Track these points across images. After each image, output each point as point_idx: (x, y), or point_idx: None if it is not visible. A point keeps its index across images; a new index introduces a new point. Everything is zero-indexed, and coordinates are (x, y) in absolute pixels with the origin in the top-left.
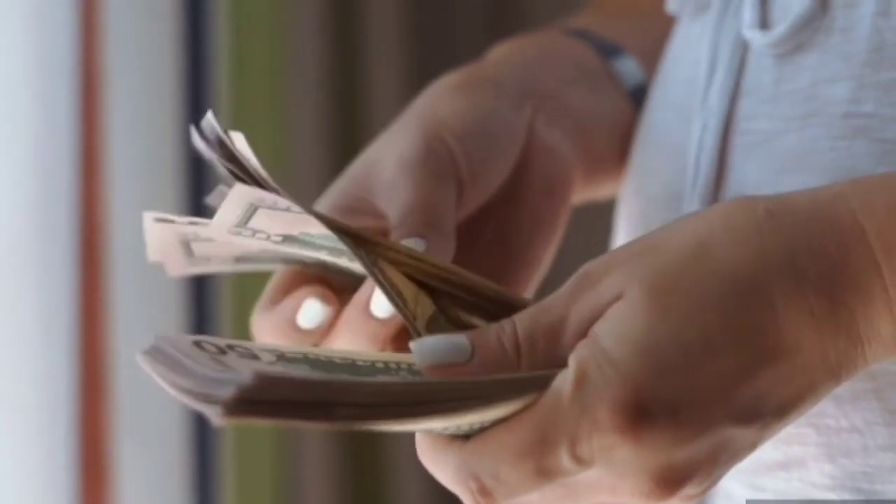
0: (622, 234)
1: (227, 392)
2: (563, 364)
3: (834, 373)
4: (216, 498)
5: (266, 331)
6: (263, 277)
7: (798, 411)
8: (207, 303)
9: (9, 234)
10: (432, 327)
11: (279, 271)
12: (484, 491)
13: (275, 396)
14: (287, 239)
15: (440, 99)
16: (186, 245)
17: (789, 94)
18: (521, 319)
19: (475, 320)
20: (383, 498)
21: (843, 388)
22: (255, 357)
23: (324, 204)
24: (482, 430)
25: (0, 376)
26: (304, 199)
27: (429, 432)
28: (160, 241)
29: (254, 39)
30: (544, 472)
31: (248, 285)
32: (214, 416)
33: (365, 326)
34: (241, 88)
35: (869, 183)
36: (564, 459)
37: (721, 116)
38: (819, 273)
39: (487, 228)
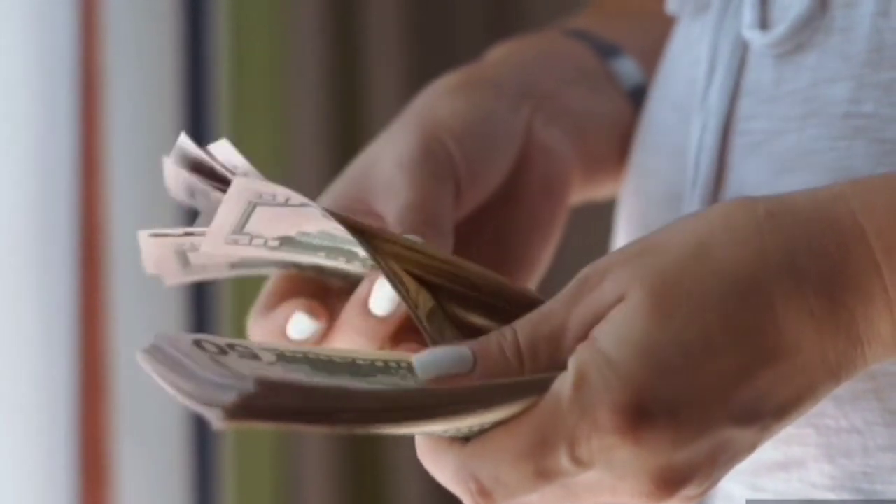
0: (622, 233)
1: (229, 397)
2: (564, 368)
3: (833, 373)
4: (216, 498)
5: (259, 337)
6: (263, 278)
7: (798, 412)
8: (207, 303)
9: (9, 234)
10: (432, 319)
11: (274, 276)
12: (483, 492)
13: (276, 403)
14: (284, 243)
15: (438, 99)
16: (182, 255)
17: (789, 95)
18: (521, 326)
19: (474, 318)
20: (383, 498)
21: (843, 389)
22: (255, 357)
23: (322, 204)
24: (482, 431)
25: (0, 376)
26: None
27: (429, 435)
28: (156, 255)
29: (254, 39)
30: (543, 474)
31: (248, 286)
32: (215, 419)
33: (364, 325)
34: (241, 88)
35: (869, 183)
36: (564, 461)
37: (721, 116)
38: (819, 273)
39: (485, 228)
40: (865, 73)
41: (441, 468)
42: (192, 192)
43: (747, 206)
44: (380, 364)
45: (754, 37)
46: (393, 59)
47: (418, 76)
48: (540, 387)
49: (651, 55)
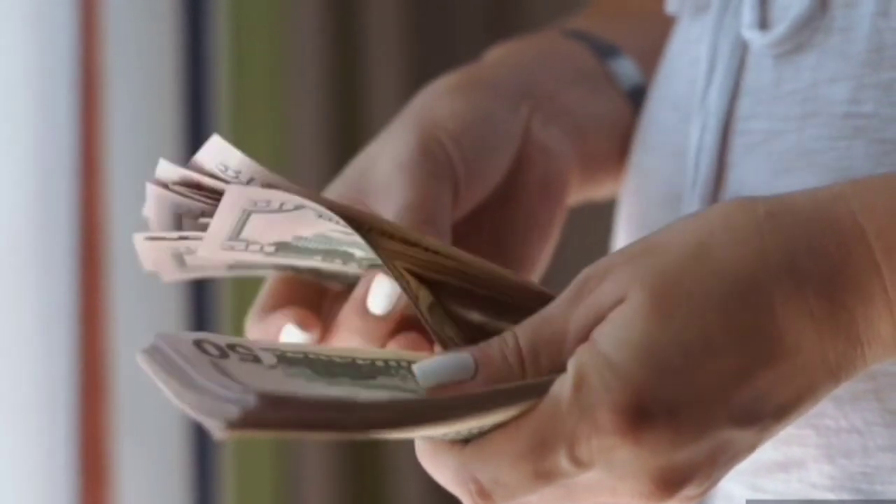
0: (622, 233)
1: (231, 411)
2: (565, 370)
3: (833, 374)
4: (216, 498)
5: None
6: (263, 277)
7: (797, 412)
8: (207, 303)
9: (9, 234)
10: (433, 313)
11: (271, 279)
12: (483, 492)
13: (277, 416)
14: (280, 248)
15: (437, 100)
16: (179, 258)
17: (789, 95)
18: (522, 331)
19: (474, 315)
20: (383, 498)
21: (843, 389)
22: (256, 360)
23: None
24: (482, 433)
25: (0, 376)
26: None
27: (429, 438)
28: (152, 256)
29: (254, 39)
30: (543, 474)
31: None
32: (216, 430)
33: (362, 325)
34: (241, 88)
35: (869, 183)
36: (563, 461)
37: (720, 116)
38: (819, 274)
39: (484, 228)
40: (865, 73)
41: (441, 470)
42: (178, 217)
43: (747, 207)
44: (380, 364)
45: (754, 37)
46: (393, 59)
47: (418, 76)
48: (539, 390)
49: (650, 55)
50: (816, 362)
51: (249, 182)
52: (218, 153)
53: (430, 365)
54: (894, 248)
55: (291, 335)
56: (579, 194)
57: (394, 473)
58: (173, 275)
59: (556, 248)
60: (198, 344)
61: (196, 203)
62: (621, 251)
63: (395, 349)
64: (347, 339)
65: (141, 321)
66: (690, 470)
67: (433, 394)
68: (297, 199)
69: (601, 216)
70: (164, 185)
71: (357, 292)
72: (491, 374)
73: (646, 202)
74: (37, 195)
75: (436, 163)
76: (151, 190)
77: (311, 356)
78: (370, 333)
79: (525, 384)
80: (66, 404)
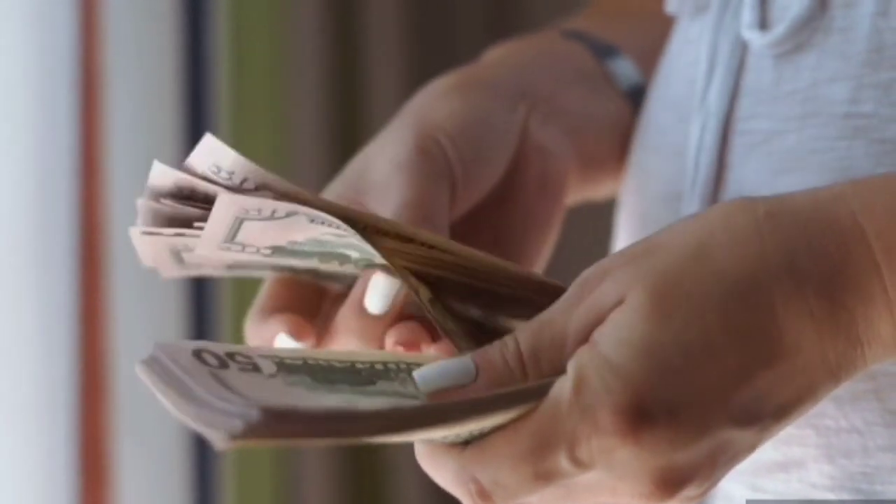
0: (622, 233)
1: (235, 424)
2: (566, 373)
3: (833, 374)
4: (216, 498)
5: (255, 343)
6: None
7: (797, 412)
8: (207, 303)
9: (9, 234)
10: (434, 306)
11: (269, 281)
12: (483, 493)
13: (279, 429)
14: (276, 251)
15: (434, 100)
16: (177, 254)
17: (788, 95)
18: (523, 334)
19: (472, 311)
20: (383, 498)
21: (843, 389)
22: (256, 369)
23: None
24: (482, 436)
25: (0, 376)
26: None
27: (428, 441)
28: (150, 252)
29: (254, 39)
30: (543, 475)
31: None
32: (217, 441)
33: (359, 325)
34: (241, 88)
35: (869, 183)
36: (563, 462)
37: (720, 116)
38: (819, 274)
39: (482, 228)
40: (865, 73)
41: (440, 471)
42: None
43: (747, 207)
44: (379, 367)
45: (754, 37)
46: (393, 59)
47: (418, 76)
48: (539, 393)
49: (650, 55)
50: (816, 362)
51: (243, 182)
52: (210, 153)
53: (431, 370)
54: (894, 249)
55: (285, 344)
56: (578, 194)
57: (394, 474)
58: (172, 271)
59: (555, 248)
60: (197, 354)
61: (189, 211)
62: (621, 252)
63: (393, 351)
64: (346, 341)
65: (141, 321)
66: (691, 470)
67: (434, 398)
68: (289, 206)
69: (601, 216)
70: (155, 200)
71: (354, 293)
72: (492, 377)
73: (646, 202)
74: (37, 195)
75: (433, 163)
76: (142, 206)
77: (310, 362)
78: (368, 334)
79: (525, 387)
80: (66, 404)
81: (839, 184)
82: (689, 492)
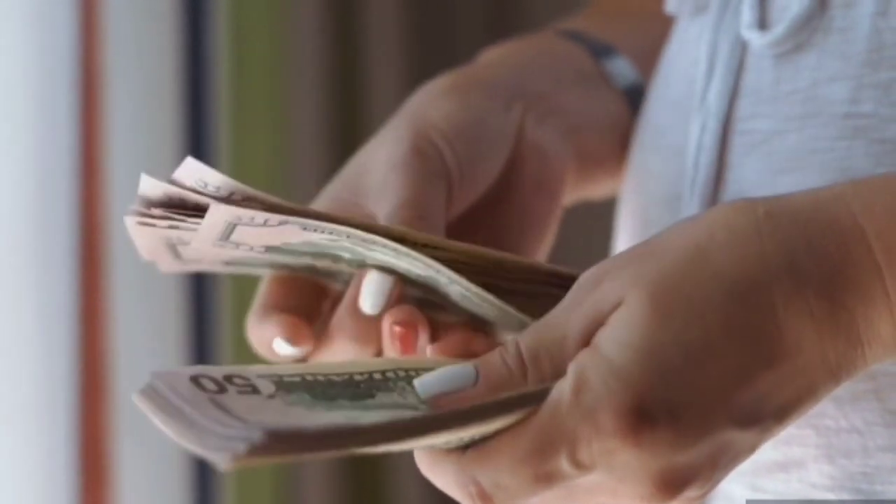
0: (623, 233)
1: (238, 447)
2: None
3: (833, 374)
4: (216, 498)
5: (256, 344)
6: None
7: (798, 413)
8: (208, 303)
9: (9, 234)
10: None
11: (267, 280)
12: (484, 495)
13: (282, 449)
14: (271, 250)
15: (430, 101)
16: (173, 248)
17: (788, 95)
18: (524, 337)
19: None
20: (383, 498)
21: (843, 389)
22: (255, 390)
23: (315, 207)
24: (482, 439)
25: (0, 376)
26: (304, 199)
27: (429, 447)
28: (147, 244)
29: (254, 39)
30: (544, 477)
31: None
32: (220, 463)
33: (355, 327)
34: (241, 88)
35: (869, 184)
36: (564, 464)
37: (720, 117)
38: (819, 274)
39: (478, 228)
40: (865, 73)
41: (440, 474)
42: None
43: (746, 208)
44: (378, 377)
45: (753, 37)
46: (393, 59)
47: (418, 76)
48: (539, 397)
49: (650, 55)
50: (817, 362)
51: (231, 195)
52: (196, 171)
53: (431, 377)
54: (894, 249)
55: (281, 349)
56: (577, 193)
57: (394, 473)
58: (170, 265)
59: (556, 248)
60: (195, 380)
61: (180, 224)
62: (621, 254)
63: (392, 357)
64: (343, 344)
65: (141, 321)
66: (691, 471)
67: (434, 404)
68: (280, 217)
69: (601, 216)
70: (145, 214)
71: (348, 295)
72: (492, 380)
73: (646, 202)
74: (37, 195)
75: (429, 163)
76: (131, 224)
77: (308, 378)
78: (363, 335)
79: (525, 392)
80: (66, 404)
81: (839, 184)
82: (690, 493)
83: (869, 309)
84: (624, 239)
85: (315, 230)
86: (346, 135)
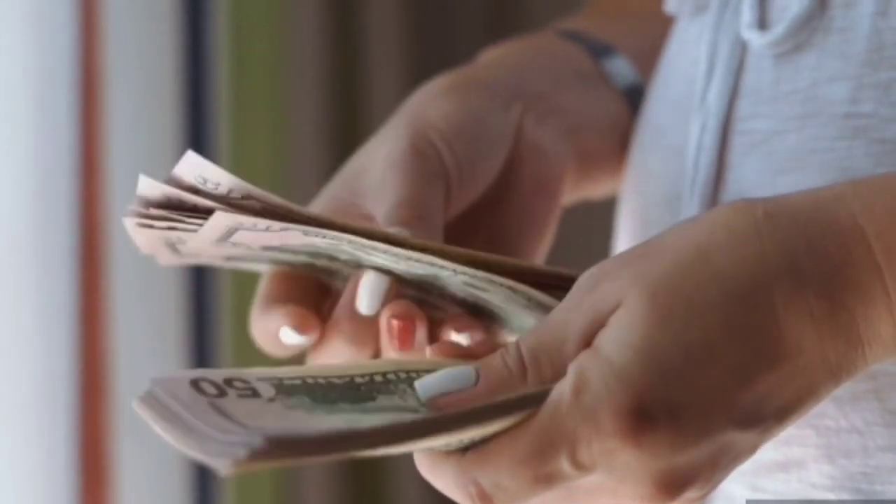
0: (623, 233)
1: (238, 453)
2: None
3: (834, 374)
4: (216, 498)
5: (260, 337)
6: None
7: (798, 413)
8: (208, 303)
9: (9, 234)
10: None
11: (268, 276)
12: (484, 496)
13: (282, 453)
14: (270, 249)
15: (429, 101)
16: (172, 245)
17: (788, 95)
18: (524, 339)
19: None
20: (383, 499)
21: (843, 389)
22: (255, 394)
23: (314, 207)
24: (482, 441)
25: (0, 376)
26: (304, 199)
27: (428, 449)
28: (146, 242)
29: (254, 39)
30: (544, 478)
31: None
32: (221, 468)
33: (352, 327)
34: (241, 88)
35: (869, 184)
36: (564, 465)
37: (720, 117)
38: (819, 275)
39: (477, 228)
40: (865, 73)
41: (440, 476)
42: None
43: (746, 209)
44: (379, 379)
45: (753, 37)
46: (393, 59)
47: (418, 76)
48: (539, 399)
49: (649, 55)
50: (817, 363)
51: (230, 192)
52: (195, 166)
53: (432, 379)
54: (894, 249)
55: (289, 336)
56: (577, 193)
57: (394, 473)
58: (169, 259)
59: (556, 249)
60: (195, 384)
61: (178, 225)
62: (620, 255)
63: (393, 359)
64: (339, 345)
65: (141, 321)
66: (692, 472)
67: (435, 403)
68: (282, 224)
69: (601, 216)
70: (143, 215)
71: (344, 297)
72: (492, 381)
73: (646, 202)
74: (37, 195)
75: (428, 162)
76: (130, 225)
77: (308, 381)
78: (360, 336)
79: (524, 394)
80: (66, 404)
81: (839, 184)
82: (691, 494)
83: (869, 309)
84: (624, 239)
85: (316, 235)
86: (346, 135)
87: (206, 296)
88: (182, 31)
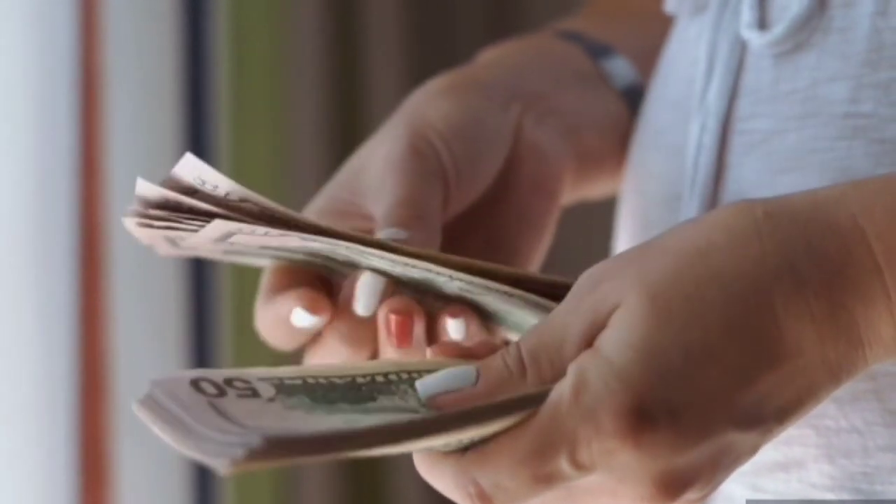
0: (623, 233)
1: (236, 453)
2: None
3: (834, 375)
4: (216, 498)
5: (267, 326)
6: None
7: (799, 414)
8: (208, 303)
9: (9, 234)
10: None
11: (270, 269)
12: (483, 496)
13: (280, 454)
14: (267, 249)
15: (428, 101)
16: (172, 241)
17: (788, 94)
18: (524, 339)
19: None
20: (383, 498)
21: (843, 389)
22: (255, 394)
23: (313, 208)
24: (481, 441)
25: (0, 376)
26: (304, 199)
27: (428, 449)
28: (146, 237)
29: (254, 39)
30: (544, 478)
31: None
32: (220, 468)
33: (349, 328)
34: (241, 88)
35: (869, 185)
36: (564, 465)
37: (719, 116)
38: (819, 275)
39: (476, 228)
40: (864, 73)
41: (439, 476)
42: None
43: (745, 210)
44: (380, 379)
45: (753, 37)
46: (393, 59)
47: (418, 76)
48: (538, 399)
49: (649, 55)
50: (817, 363)
51: (227, 195)
52: (194, 169)
53: (432, 378)
54: (895, 250)
55: (301, 319)
56: (575, 193)
57: (394, 473)
58: (168, 252)
59: (556, 248)
60: (195, 384)
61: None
62: (620, 255)
63: (396, 360)
64: (335, 346)
65: (141, 321)
66: (692, 473)
67: (434, 402)
68: (281, 231)
69: (602, 216)
70: (142, 215)
71: (341, 296)
72: (491, 380)
73: (646, 202)
74: (37, 195)
75: (426, 162)
76: (129, 224)
77: (309, 381)
78: (357, 338)
79: (524, 394)
80: (66, 404)
81: (839, 185)
82: (691, 495)
83: (869, 310)
84: (624, 239)
85: (314, 241)
86: (346, 135)
87: (206, 296)
88: (182, 31)
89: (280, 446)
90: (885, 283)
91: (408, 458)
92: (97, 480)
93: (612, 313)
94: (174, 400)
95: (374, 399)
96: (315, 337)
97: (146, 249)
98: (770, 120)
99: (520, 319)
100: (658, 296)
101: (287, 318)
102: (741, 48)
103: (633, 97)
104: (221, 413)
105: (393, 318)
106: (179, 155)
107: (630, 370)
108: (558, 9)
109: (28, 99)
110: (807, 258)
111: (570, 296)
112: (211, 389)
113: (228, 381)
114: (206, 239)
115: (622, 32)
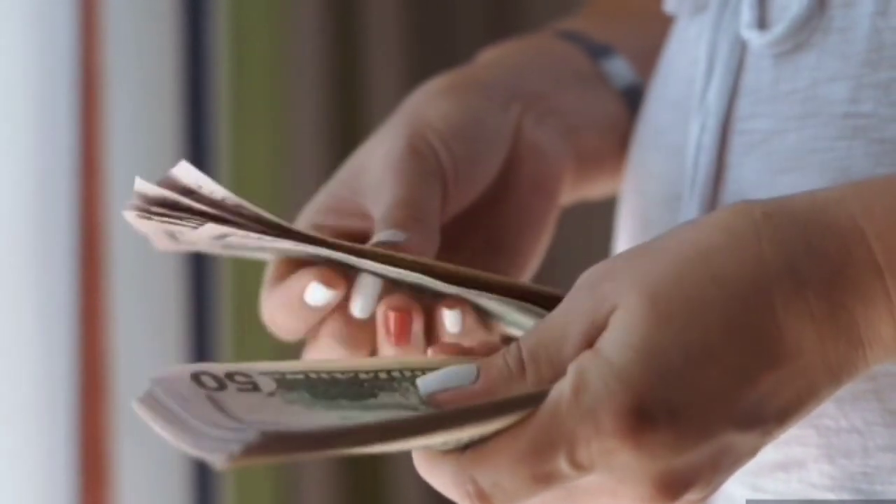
0: (623, 233)
1: (233, 448)
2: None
3: (834, 375)
4: (216, 498)
5: (275, 308)
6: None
7: (799, 415)
8: (208, 303)
9: (9, 234)
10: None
11: (276, 259)
12: (482, 495)
13: (277, 449)
14: (264, 249)
15: (427, 101)
16: (171, 235)
17: (788, 94)
18: (524, 339)
19: None
20: (383, 498)
21: (843, 389)
22: (255, 388)
23: (312, 207)
24: (480, 440)
25: (0, 376)
26: (304, 199)
27: (426, 447)
28: (145, 229)
29: (254, 39)
30: (543, 478)
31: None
32: (217, 463)
33: (345, 329)
34: (241, 88)
35: (869, 185)
36: (563, 465)
37: (719, 116)
38: (819, 276)
39: (476, 228)
40: (864, 73)
41: (438, 475)
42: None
43: (745, 210)
44: (383, 376)
45: (753, 36)
46: (393, 59)
47: (418, 76)
48: (538, 399)
49: (649, 55)
50: (817, 364)
51: (224, 199)
52: (188, 173)
53: (432, 376)
54: (895, 250)
55: (317, 294)
56: (575, 193)
57: (393, 473)
58: (167, 246)
59: (556, 248)
60: (196, 377)
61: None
62: (620, 256)
63: (399, 358)
64: (331, 346)
65: (141, 321)
66: (692, 473)
67: (434, 400)
68: (274, 237)
69: (602, 216)
70: (142, 209)
71: (338, 298)
72: (491, 379)
73: (646, 202)
74: (37, 195)
75: (425, 162)
76: (129, 216)
77: (311, 375)
78: (353, 338)
79: (524, 394)
80: (66, 404)
81: (839, 186)
82: (691, 496)
83: (869, 310)
84: (624, 239)
85: (308, 248)
86: (346, 135)
87: (205, 296)
88: (182, 31)
89: (277, 442)
90: (885, 283)
91: (407, 456)
92: (97, 480)
93: (612, 314)
94: (174, 397)
95: (375, 396)
96: (313, 337)
97: (146, 249)
98: (770, 120)
99: (518, 319)
100: (658, 296)
101: (298, 298)
102: (741, 48)
103: (633, 97)
104: (219, 407)
105: (391, 315)
106: (179, 155)
107: (630, 370)
108: (558, 9)
109: (28, 99)
110: (807, 258)
111: (570, 295)
112: (211, 383)
113: (230, 375)
114: (204, 236)
115: (622, 32)
